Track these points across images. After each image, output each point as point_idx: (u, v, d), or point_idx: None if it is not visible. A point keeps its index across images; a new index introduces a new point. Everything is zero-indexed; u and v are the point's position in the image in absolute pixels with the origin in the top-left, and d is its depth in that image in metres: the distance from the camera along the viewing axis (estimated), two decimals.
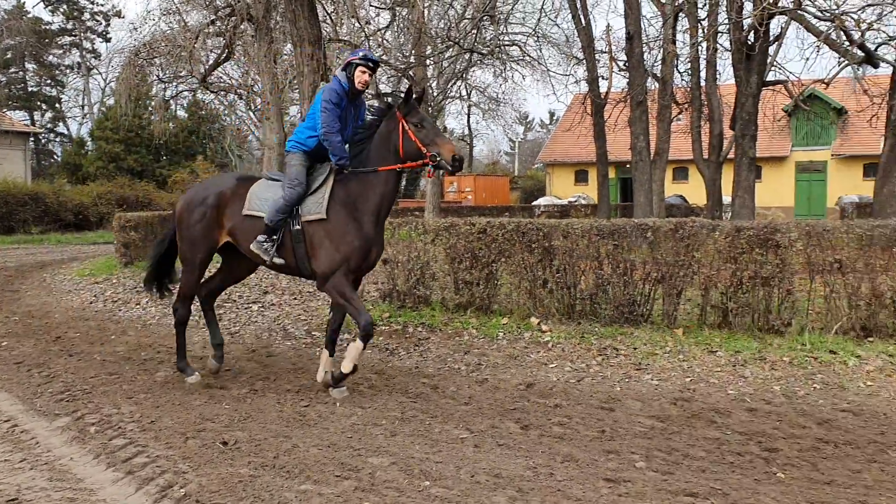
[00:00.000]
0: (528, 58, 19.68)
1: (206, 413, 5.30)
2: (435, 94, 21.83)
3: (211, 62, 17.69)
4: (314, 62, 11.70)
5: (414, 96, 5.80)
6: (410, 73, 19.10)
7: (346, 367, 5.64)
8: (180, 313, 6.38)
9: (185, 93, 24.33)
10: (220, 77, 22.31)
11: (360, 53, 5.93)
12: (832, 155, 32.29)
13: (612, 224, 7.34)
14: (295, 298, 9.47)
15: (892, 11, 11.60)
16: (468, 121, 45.16)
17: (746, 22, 13.13)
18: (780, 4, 11.77)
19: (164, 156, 40.84)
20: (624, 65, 17.29)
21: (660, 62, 17.51)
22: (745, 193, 14.74)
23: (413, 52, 18.34)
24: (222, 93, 23.90)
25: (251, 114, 30.60)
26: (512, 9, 17.14)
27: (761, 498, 3.88)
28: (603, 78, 19.91)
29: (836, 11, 10.26)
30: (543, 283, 7.65)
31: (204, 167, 35.27)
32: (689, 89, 18.79)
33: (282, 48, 18.27)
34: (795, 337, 6.67)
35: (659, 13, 17.77)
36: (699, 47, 16.27)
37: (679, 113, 20.95)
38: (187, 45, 16.16)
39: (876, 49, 11.10)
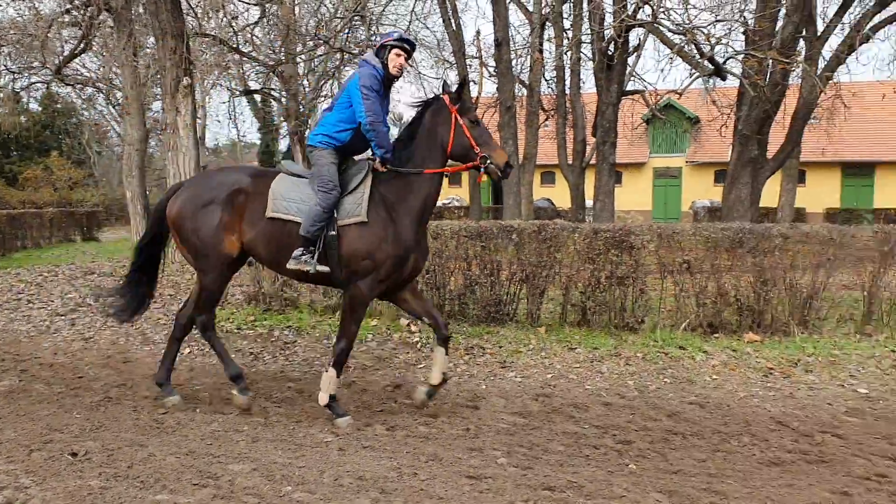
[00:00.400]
0: None
1: (54, 424, 4.98)
2: (307, 92, 21.51)
3: (66, 53, 16.68)
4: (177, 56, 11.25)
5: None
6: (280, 70, 18.76)
7: (322, 399, 5.20)
8: (202, 320, 5.48)
9: (38, 84, 22.84)
10: (78, 69, 21.08)
11: (395, 35, 5.36)
12: (687, 162, 34.24)
13: (479, 226, 7.48)
14: (154, 301, 9.07)
15: (739, 28, 12.48)
16: None
17: (607, 33, 13.71)
18: (638, 17, 12.37)
19: (14, 151, 38.12)
20: (493, 70, 17.65)
21: (527, 69, 18.02)
22: (606, 197, 15.38)
23: (282, 49, 17.98)
24: (80, 86, 22.58)
25: (111, 108, 29.11)
26: (384, 10, 17.16)
27: (614, 489, 4.06)
28: (473, 82, 20.26)
29: (689, 26, 10.90)
30: None
31: (59, 163, 33.20)
32: (555, 96, 19.47)
33: (143, 41, 17.48)
34: (648, 334, 7.03)
35: (527, 21, 18.31)
36: (564, 56, 16.88)
37: (546, 119, 21.63)
38: (39, 35, 15.17)
39: (724, 62, 11.86)
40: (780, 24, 13.44)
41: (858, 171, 32.06)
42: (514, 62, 17.60)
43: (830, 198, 31.88)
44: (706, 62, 11.31)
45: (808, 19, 15.14)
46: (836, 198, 32.17)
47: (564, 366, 6.47)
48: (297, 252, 5.16)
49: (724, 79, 12.16)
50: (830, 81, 15.65)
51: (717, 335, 7.00)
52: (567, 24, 17.11)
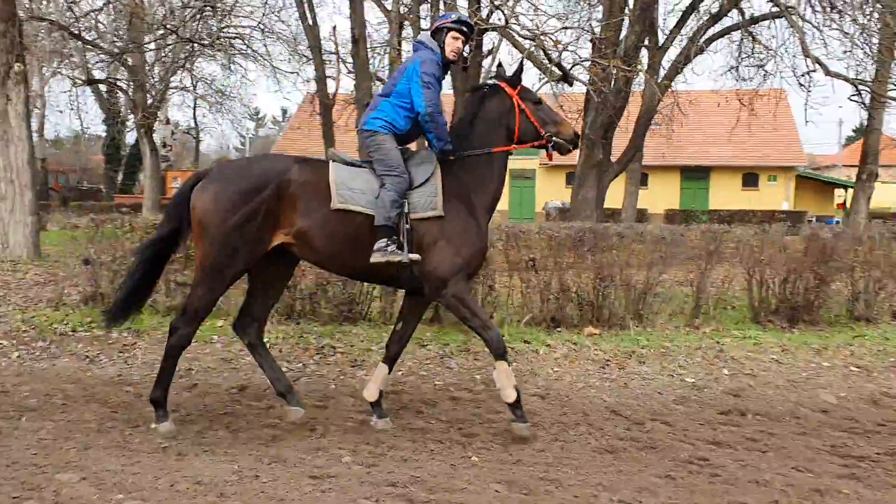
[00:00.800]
0: (252, 52, 19.23)
1: None
2: (155, 83, 20.57)
3: None
4: (7, 41, 10.51)
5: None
6: (126, 58, 17.85)
7: (509, 396, 4.84)
8: (183, 334, 4.82)
9: None
10: None
11: (453, 16, 5.14)
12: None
13: None
14: None
15: (586, 36, 13.05)
16: (194, 113, 43.14)
17: None
18: (491, 21, 12.68)
19: None
20: (350, 67, 17.56)
21: (387, 67, 18.05)
22: None
23: (127, 37, 17.11)
24: None
25: None
26: (236, 1, 16.66)
27: (456, 482, 4.14)
28: (332, 78, 20.08)
29: (537, 32, 11.28)
30: None
31: None
32: None
33: None
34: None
35: (385, 19, 18.31)
36: None
37: None
38: None
39: (571, 69, 12.36)
40: (624, 33, 14.18)
41: (696, 175, 34.32)
42: (372, 59, 17.60)
43: (670, 199, 33.94)
44: (554, 68, 11.73)
45: (651, 30, 16.04)
46: (676, 199, 34.29)
47: (416, 363, 6.54)
48: (380, 244, 4.73)
49: (570, 84, 12.67)
50: (669, 89, 16.67)
51: (559, 329, 7.29)
52: (424, 24, 17.26)
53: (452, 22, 5.09)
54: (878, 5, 12.85)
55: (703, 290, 7.74)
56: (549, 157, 5.41)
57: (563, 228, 7.46)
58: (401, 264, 4.76)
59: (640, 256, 7.61)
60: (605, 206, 16.44)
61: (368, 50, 17.26)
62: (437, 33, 5.10)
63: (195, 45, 16.84)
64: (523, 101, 5.16)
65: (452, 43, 5.06)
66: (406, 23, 17.44)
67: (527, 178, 35.87)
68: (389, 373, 5.29)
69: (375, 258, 4.73)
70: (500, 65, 5.49)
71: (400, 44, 17.37)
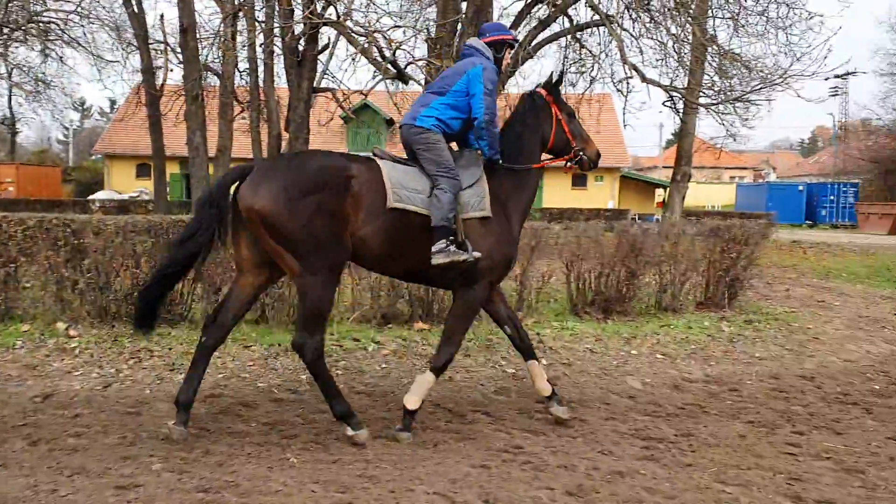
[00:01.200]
0: (72, 38, 17.98)
1: None
2: None
3: None
4: None
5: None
6: None
7: (412, 403, 4.90)
8: (318, 342, 4.70)
9: None
10: None
11: (513, 32, 5.11)
12: None
13: (148, 220, 7.07)
14: None
15: (422, 35, 13.17)
16: (10, 102, 39.81)
17: (297, 28, 13.73)
18: (325, 16, 12.53)
19: None
20: (180, 57, 16.81)
21: (220, 59, 17.42)
22: None
23: None
24: None
25: None
26: None
27: (271, 485, 4.07)
28: (160, 69, 19.14)
29: (371, 29, 11.28)
30: (74, 284, 7.05)
31: None
32: (248, 88, 19.05)
33: None
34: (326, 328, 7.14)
35: (219, 9, 17.67)
36: (256, 48, 16.57)
37: (242, 112, 21.10)
38: None
39: (405, 67, 12.45)
40: (458, 35, 14.46)
41: None
42: (204, 50, 16.92)
43: None
44: (389, 65, 11.78)
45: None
46: None
47: (238, 364, 6.36)
48: (440, 245, 4.69)
49: (406, 83, 12.78)
50: (502, 92, 17.19)
51: (390, 325, 7.34)
52: (260, 15, 16.81)
53: (513, 38, 5.39)
54: (689, 17, 13.85)
55: (525, 285, 8.04)
56: (568, 170, 5.51)
57: None
58: (456, 263, 4.76)
59: None
60: None
61: (202, 40, 16.63)
62: (499, 46, 5.23)
63: (5, 29, 15.51)
64: (560, 112, 5.33)
65: (507, 57, 5.31)
66: (241, 14, 16.94)
67: None
68: (536, 360, 5.44)
69: (439, 259, 4.71)
70: (562, 73, 5.74)
71: (234, 35, 16.85)
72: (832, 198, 38.18)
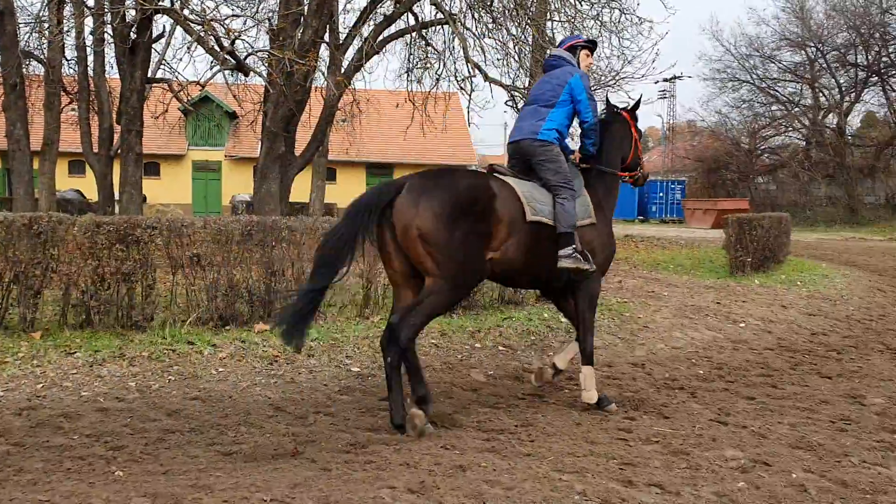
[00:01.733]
0: None
1: None
2: None
3: None
4: None
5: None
6: None
7: (591, 398, 5.52)
8: (414, 333, 4.92)
9: None
10: None
11: (584, 37, 6.14)
12: (226, 156, 34.35)
13: None
14: None
15: (256, 25, 12.81)
16: None
17: (129, 15, 12.94)
18: (160, 2, 11.89)
19: None
20: None
21: (45, 46, 16.17)
22: (133, 189, 14.55)
23: None
24: None
25: None
26: None
27: (93, 501, 3.76)
28: None
29: (207, 17, 10.81)
30: None
31: None
32: (77, 78, 17.79)
33: None
34: (158, 331, 6.77)
35: None
36: (85, 36, 15.50)
37: (70, 102, 19.68)
38: None
39: (246, 58, 12.04)
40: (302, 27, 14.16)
41: (380, 171, 35.68)
42: (26, 37, 15.65)
43: (357, 194, 34.87)
44: (228, 56, 11.34)
45: (331, 28, 16.24)
46: None
47: (59, 373, 5.89)
48: (566, 251, 5.19)
49: (246, 74, 12.37)
50: (349, 87, 17.01)
51: (228, 327, 7.05)
52: (91, 1, 15.73)
53: (586, 41, 5.94)
54: (529, 19, 14.28)
55: (372, 281, 7.97)
56: (632, 181, 6.14)
57: (231, 222, 7.20)
58: (581, 271, 5.30)
59: (312, 250, 7.61)
60: (293, 200, 16.36)
61: (25, 25, 15.37)
62: (570, 49, 5.80)
63: None
64: (637, 135, 6.00)
65: (586, 59, 5.83)
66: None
67: (212, 171, 34.58)
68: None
69: (566, 264, 5.19)
70: (640, 99, 6.19)
71: (60, 22, 15.67)
72: (662, 195, 40.84)
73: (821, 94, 43.60)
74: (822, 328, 9.47)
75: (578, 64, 5.74)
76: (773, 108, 44.02)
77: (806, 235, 28.87)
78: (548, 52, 6.24)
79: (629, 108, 6.07)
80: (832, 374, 6.89)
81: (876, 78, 40.76)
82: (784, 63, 43.52)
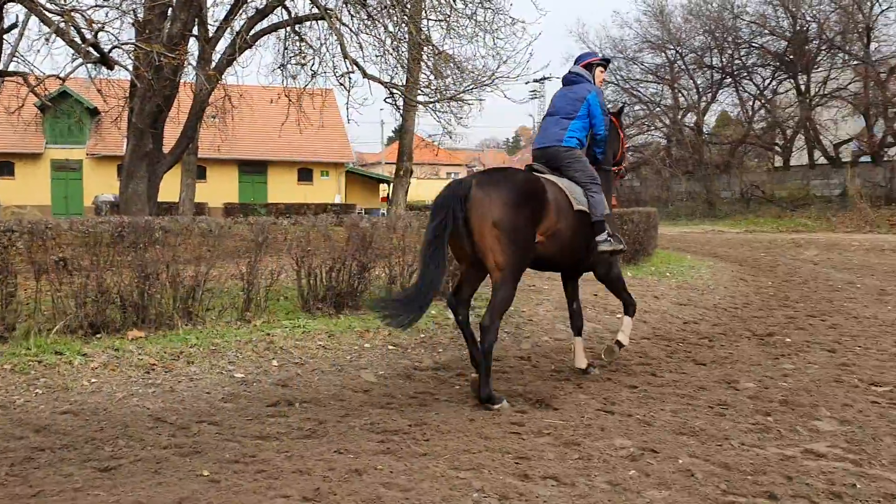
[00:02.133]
0: None
1: None
2: None
3: None
4: None
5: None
6: None
7: (624, 340, 6.67)
8: (498, 327, 5.65)
9: None
10: None
11: (600, 55, 6.84)
12: (87, 154, 32.49)
13: None
14: None
15: (120, 17, 12.14)
16: None
17: None
18: None
19: None
20: None
21: None
22: None
23: None
24: None
25: None
26: None
27: None
28: None
29: (66, 7, 10.13)
30: None
31: None
32: None
33: None
34: (21, 342, 6.26)
35: None
36: None
37: None
38: None
39: (110, 51, 11.38)
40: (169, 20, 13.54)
41: (253, 169, 34.75)
42: None
43: (229, 193, 33.85)
44: (90, 49, 10.68)
45: (201, 21, 15.63)
46: (235, 193, 34.31)
47: None
48: (603, 236, 6.11)
49: (110, 68, 11.70)
50: (220, 82, 16.43)
51: (99, 335, 6.62)
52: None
53: (602, 59, 6.77)
54: (405, 16, 14.25)
55: (253, 283, 7.69)
56: (617, 172, 7.12)
57: (101, 223, 6.76)
58: (616, 251, 6.31)
59: (188, 251, 7.27)
60: (161, 199, 15.65)
61: None
62: (588, 66, 6.62)
63: None
64: (623, 134, 7.00)
65: (600, 75, 6.72)
66: None
67: (73, 170, 32.65)
68: (581, 338, 6.77)
69: (605, 247, 6.11)
70: (624, 105, 7.15)
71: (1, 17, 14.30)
72: None
73: (680, 95, 45.99)
74: (693, 317, 9.95)
75: (594, 80, 6.59)
76: (637, 107, 46.02)
77: (669, 229, 30.41)
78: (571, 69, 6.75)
79: (615, 112, 7.00)
80: (706, 361, 7.23)
81: (729, 79, 43.40)
82: (646, 65, 45.64)
